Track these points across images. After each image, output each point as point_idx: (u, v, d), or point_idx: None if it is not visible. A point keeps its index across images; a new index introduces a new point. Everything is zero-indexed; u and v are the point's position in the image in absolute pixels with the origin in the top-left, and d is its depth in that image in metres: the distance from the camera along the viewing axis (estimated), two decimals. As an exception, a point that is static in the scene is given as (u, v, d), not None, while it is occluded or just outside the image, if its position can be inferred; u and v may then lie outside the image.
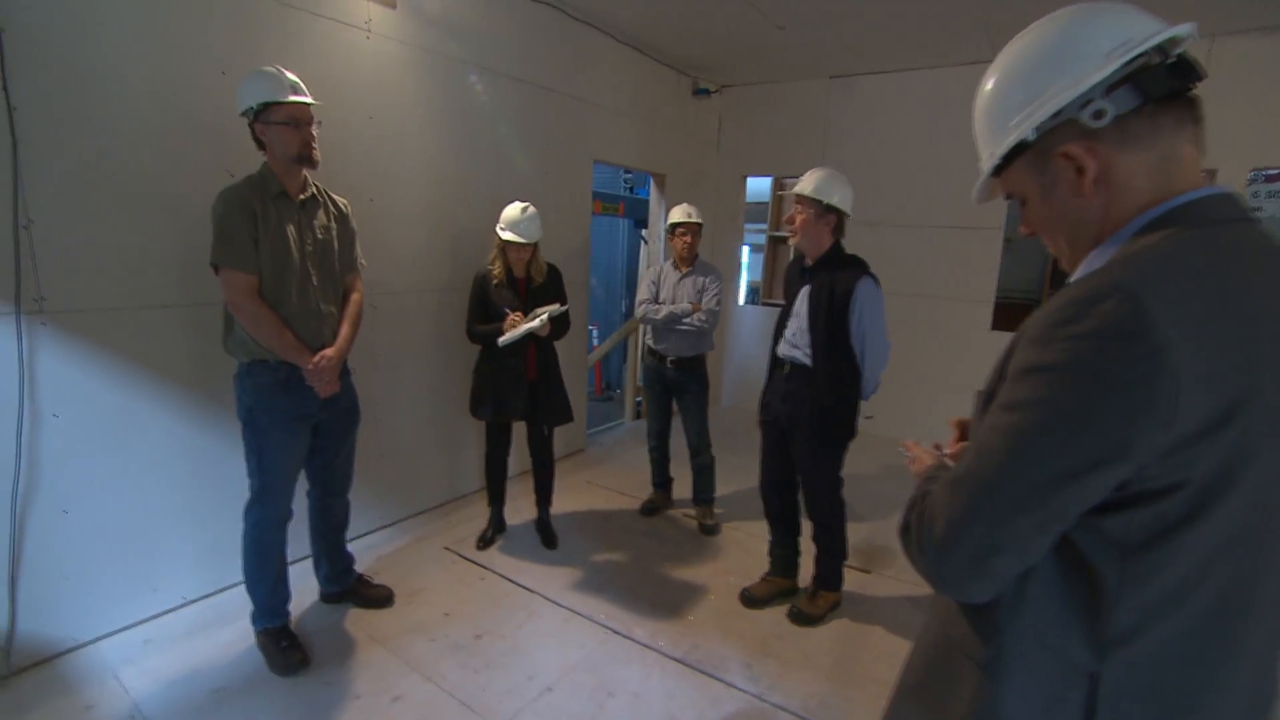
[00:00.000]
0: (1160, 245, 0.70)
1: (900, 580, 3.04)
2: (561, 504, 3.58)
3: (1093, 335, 0.65)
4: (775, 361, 2.66)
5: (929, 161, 4.77)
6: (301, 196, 2.19)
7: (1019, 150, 0.81)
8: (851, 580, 2.82)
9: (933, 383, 4.78)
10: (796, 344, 2.55)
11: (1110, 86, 0.73)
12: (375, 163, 3.01)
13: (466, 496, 3.75)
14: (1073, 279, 0.83)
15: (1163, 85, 0.72)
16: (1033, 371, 0.70)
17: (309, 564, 2.64)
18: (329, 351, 2.21)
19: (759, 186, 6.54)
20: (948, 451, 1.06)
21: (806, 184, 2.46)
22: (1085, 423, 0.66)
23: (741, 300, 6.52)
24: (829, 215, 2.46)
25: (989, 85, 0.85)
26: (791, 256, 6.06)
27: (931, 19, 3.84)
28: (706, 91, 5.41)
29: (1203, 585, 0.70)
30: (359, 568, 2.73)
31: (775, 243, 6.59)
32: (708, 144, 5.69)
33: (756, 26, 4.07)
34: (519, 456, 3.50)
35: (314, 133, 2.13)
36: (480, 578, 2.92)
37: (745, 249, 6.78)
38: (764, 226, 6.63)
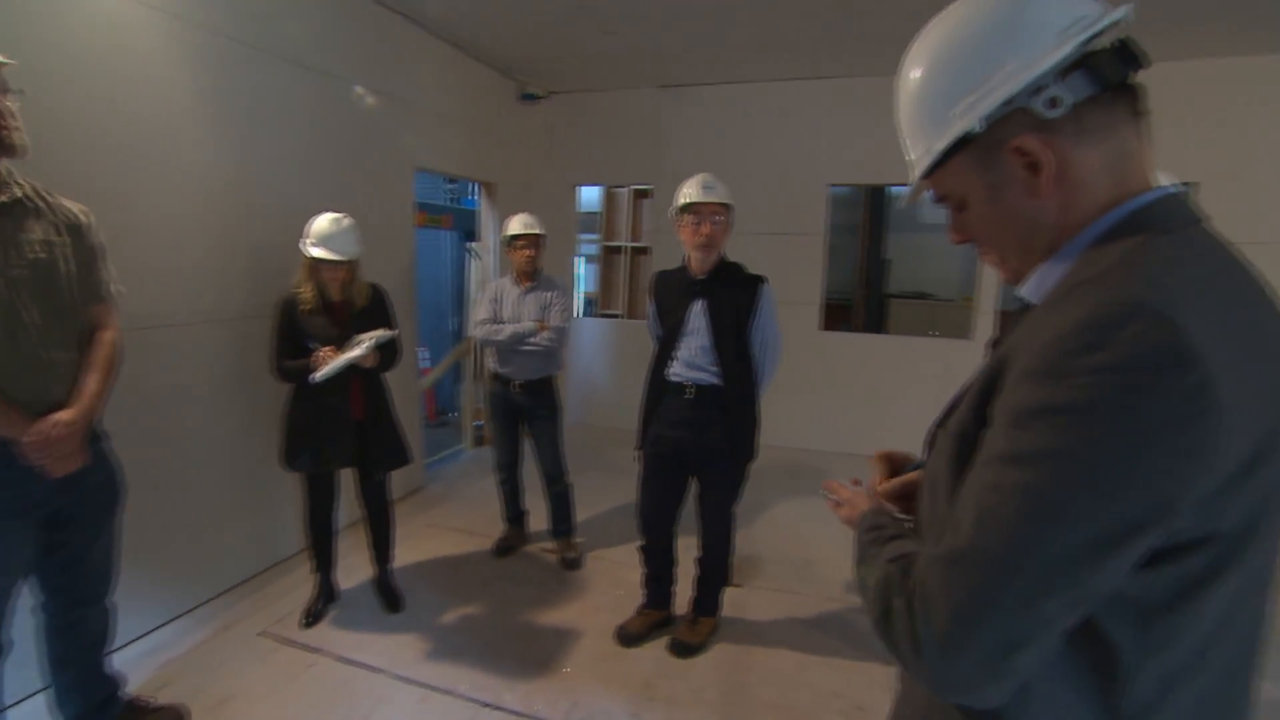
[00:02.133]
0: (1160, 252, 0.61)
1: (772, 590, 3.03)
2: (403, 555, 3.12)
3: (1122, 367, 0.54)
4: (669, 386, 2.46)
5: (755, 170, 4.94)
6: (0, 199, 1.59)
7: (958, 145, 0.69)
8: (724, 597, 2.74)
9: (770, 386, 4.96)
10: (698, 364, 2.40)
11: (1062, 72, 0.64)
12: (129, 161, 2.36)
13: (286, 562, 3.14)
14: (1022, 291, 0.73)
15: (1118, 70, 0.64)
16: (1044, 414, 0.57)
17: (46, 699, 1.92)
18: (63, 415, 1.63)
19: (589, 195, 6.43)
20: (878, 490, 0.95)
21: (717, 191, 2.36)
22: (1123, 476, 0.54)
23: (579, 313, 6.36)
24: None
25: (918, 71, 0.72)
26: (645, 269, 6.09)
27: (761, 34, 3.93)
28: (534, 97, 5.17)
29: (1221, 644, 0.62)
30: (134, 687, 2.10)
31: (609, 252, 6.52)
32: (537, 151, 5.44)
33: (583, 30, 3.91)
34: (348, 506, 2.99)
35: (10, 105, 1.53)
36: (309, 665, 2.41)
37: (579, 260, 6.64)
38: (596, 236, 6.55)
